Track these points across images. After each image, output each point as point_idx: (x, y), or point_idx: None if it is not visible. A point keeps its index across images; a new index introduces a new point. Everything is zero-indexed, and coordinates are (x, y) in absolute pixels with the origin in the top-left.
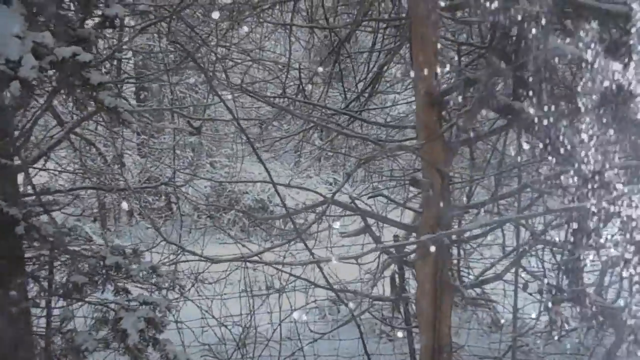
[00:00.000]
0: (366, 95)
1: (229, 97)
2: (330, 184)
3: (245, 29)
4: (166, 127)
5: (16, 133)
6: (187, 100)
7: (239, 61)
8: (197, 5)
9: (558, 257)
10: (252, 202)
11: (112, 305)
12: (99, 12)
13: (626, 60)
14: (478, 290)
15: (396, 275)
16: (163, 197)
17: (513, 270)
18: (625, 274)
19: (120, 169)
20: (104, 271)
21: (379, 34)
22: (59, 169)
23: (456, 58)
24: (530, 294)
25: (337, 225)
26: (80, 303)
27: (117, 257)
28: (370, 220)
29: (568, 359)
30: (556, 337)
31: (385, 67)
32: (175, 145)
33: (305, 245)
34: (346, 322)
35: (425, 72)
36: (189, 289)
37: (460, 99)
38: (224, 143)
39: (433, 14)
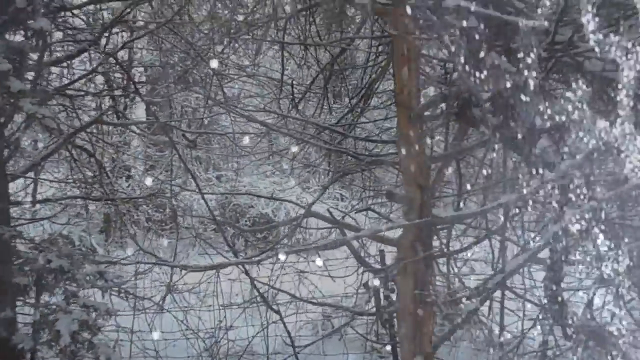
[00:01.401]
0: (358, 110)
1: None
2: (337, 199)
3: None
4: (161, 140)
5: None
6: (197, 114)
7: (235, 77)
8: (193, 22)
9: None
10: (256, 216)
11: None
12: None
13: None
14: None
15: (380, 290)
16: (168, 210)
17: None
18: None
19: (100, 179)
20: (52, 274)
21: (370, 52)
22: (55, 179)
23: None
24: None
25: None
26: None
27: (61, 261)
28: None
29: None
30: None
31: (376, 84)
32: (173, 158)
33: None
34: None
35: (405, 87)
36: (163, 299)
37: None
38: (230, 157)
39: (412, 31)
